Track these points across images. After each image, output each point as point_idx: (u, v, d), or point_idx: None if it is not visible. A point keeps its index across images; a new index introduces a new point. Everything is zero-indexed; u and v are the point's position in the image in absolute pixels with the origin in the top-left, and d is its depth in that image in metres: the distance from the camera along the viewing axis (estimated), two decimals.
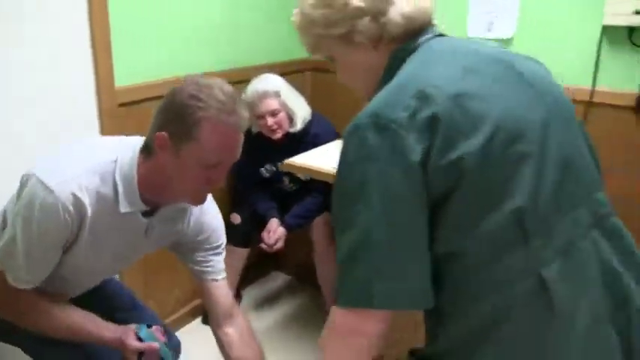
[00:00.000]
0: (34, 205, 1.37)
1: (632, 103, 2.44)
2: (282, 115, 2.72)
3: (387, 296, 0.99)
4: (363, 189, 0.98)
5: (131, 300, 1.96)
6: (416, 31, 1.15)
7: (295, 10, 1.23)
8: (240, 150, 1.49)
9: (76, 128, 2.25)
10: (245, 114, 1.45)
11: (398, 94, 1.02)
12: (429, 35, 1.15)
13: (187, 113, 1.37)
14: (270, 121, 2.70)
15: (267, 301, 3.28)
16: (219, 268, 1.82)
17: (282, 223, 2.85)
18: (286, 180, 2.97)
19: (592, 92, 2.52)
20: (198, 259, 1.79)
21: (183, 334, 2.77)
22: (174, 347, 1.88)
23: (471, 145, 0.97)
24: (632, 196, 2.58)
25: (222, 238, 1.82)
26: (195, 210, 1.70)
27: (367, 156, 0.99)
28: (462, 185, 0.97)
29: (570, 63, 2.56)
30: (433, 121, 0.97)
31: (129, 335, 1.59)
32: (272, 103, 2.69)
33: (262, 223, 2.86)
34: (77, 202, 1.39)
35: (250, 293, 3.31)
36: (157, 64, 2.51)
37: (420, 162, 0.97)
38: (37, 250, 1.44)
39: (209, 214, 1.77)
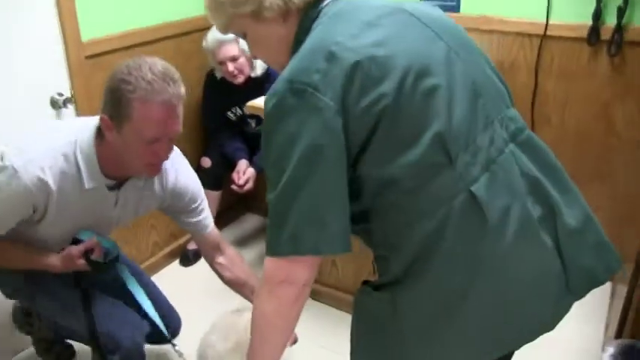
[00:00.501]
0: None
1: (584, 34, 2.54)
2: (242, 60, 2.78)
3: (312, 242, 1.07)
4: (287, 147, 1.06)
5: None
6: None
7: None
8: (179, 122, 1.59)
9: (46, 81, 2.29)
10: (176, 89, 1.55)
11: (308, 59, 1.08)
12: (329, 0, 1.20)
13: (119, 96, 1.50)
14: (230, 66, 2.76)
15: (242, 243, 3.36)
16: (206, 224, 1.98)
17: (251, 164, 2.93)
18: (252, 122, 3.04)
19: (546, 26, 2.62)
20: (186, 220, 1.95)
21: (161, 277, 2.91)
22: (175, 327, 2.04)
23: (384, 88, 1.05)
24: (587, 125, 2.72)
25: (200, 196, 1.95)
26: (170, 176, 1.83)
27: (288, 118, 1.06)
28: (383, 126, 1.06)
29: None
30: (345, 77, 1.04)
31: (70, 247, 1.71)
32: (231, 49, 2.74)
33: (232, 166, 2.94)
34: (41, 182, 1.55)
35: (224, 236, 3.38)
36: (121, 15, 2.53)
37: (337, 115, 1.04)
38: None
39: (184, 177, 1.88)
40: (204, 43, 2.77)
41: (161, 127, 1.55)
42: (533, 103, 2.80)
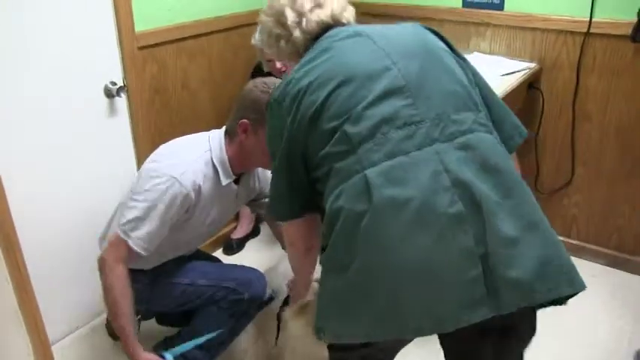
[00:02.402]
0: (163, 189, 1.85)
1: (628, 32, 2.53)
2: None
3: (277, 211, 1.55)
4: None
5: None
6: (318, 37, 1.53)
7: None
8: None
9: (100, 70, 2.40)
10: None
11: (286, 78, 1.46)
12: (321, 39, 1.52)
13: (262, 104, 1.84)
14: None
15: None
16: None
17: None
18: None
19: (589, 23, 2.62)
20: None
21: None
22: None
23: (315, 98, 1.35)
24: (629, 123, 2.71)
25: None
26: (258, 169, 2.25)
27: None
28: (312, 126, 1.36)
29: None
30: (293, 98, 1.40)
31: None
32: None
33: None
34: (194, 184, 1.90)
35: (266, 227, 3.49)
36: (173, 8, 2.64)
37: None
38: (161, 223, 1.88)
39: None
40: (252, 40, 2.85)
41: None
42: (574, 101, 2.80)
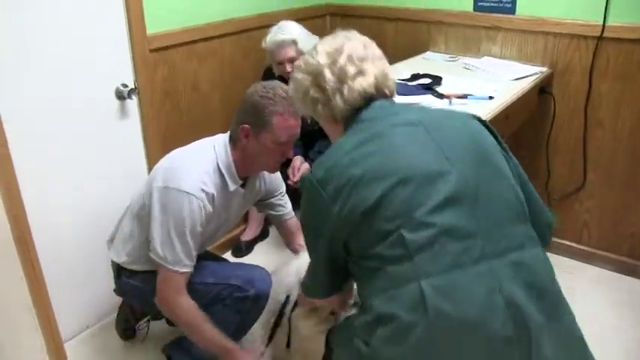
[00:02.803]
0: (181, 208, 1.89)
1: None
2: (299, 62, 2.84)
3: (314, 294, 1.62)
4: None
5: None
6: (360, 108, 1.46)
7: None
8: (299, 129, 2.01)
9: (112, 73, 2.41)
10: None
11: (330, 158, 1.41)
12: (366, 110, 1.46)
13: (261, 109, 1.91)
14: (288, 67, 2.83)
15: None
16: (289, 208, 2.46)
17: (306, 159, 3.00)
18: (308, 119, 3.09)
19: (603, 27, 2.60)
20: (275, 202, 2.40)
21: None
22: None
23: (370, 194, 1.29)
24: None
25: (283, 185, 2.44)
26: (264, 172, 2.26)
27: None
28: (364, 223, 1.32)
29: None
30: (340, 187, 1.33)
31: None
32: (289, 51, 2.83)
33: (287, 161, 2.99)
34: (207, 195, 1.93)
35: (275, 229, 3.48)
36: (184, 11, 2.65)
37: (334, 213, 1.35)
38: (193, 238, 1.94)
39: None
40: (263, 43, 2.86)
41: (292, 131, 1.98)
42: (586, 106, 2.79)
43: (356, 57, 1.45)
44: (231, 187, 2.02)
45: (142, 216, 2.03)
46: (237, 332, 2.12)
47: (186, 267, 1.94)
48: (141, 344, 2.51)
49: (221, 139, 2.04)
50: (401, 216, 1.26)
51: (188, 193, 1.89)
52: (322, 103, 1.48)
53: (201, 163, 1.98)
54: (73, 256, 2.46)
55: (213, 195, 1.96)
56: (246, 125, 1.95)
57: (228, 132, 2.05)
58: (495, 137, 1.46)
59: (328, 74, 1.44)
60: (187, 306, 1.95)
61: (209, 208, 1.95)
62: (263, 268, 2.16)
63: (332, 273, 1.48)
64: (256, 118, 1.93)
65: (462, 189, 1.28)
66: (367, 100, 1.44)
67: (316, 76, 1.47)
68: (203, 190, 1.92)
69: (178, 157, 2.04)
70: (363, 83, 1.43)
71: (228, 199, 2.05)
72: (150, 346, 2.48)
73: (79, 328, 2.58)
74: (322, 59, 1.47)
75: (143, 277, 2.10)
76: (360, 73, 1.44)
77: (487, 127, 1.47)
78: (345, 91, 1.43)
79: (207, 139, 2.08)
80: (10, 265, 1.81)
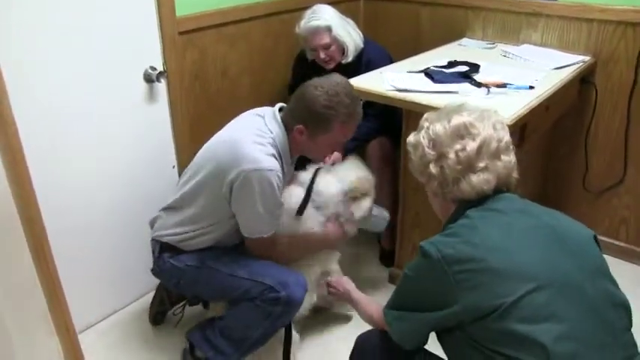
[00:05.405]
0: (264, 184, 1.94)
1: None
2: (333, 48, 2.78)
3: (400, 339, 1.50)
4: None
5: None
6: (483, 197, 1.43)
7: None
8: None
9: (140, 55, 2.37)
10: (360, 108, 2.08)
11: (451, 238, 1.35)
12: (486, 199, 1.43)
13: (324, 119, 2.00)
14: (322, 54, 2.76)
15: None
16: None
17: None
18: None
19: None
20: None
21: None
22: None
23: (503, 292, 1.26)
24: None
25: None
26: None
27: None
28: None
29: None
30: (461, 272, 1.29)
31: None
32: (324, 38, 2.74)
33: None
34: (277, 165, 2.00)
35: None
36: None
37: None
38: (279, 208, 2.06)
39: None
40: (297, 29, 2.79)
41: (348, 135, 2.11)
42: (630, 97, 2.67)
43: (486, 151, 1.41)
44: (286, 167, 2.09)
45: (212, 198, 2.04)
46: (258, 340, 2.08)
47: (274, 228, 2.06)
48: (165, 331, 2.51)
49: (271, 117, 2.08)
50: (537, 321, 1.23)
51: (258, 169, 1.92)
52: (439, 181, 1.46)
53: (263, 146, 1.99)
54: (101, 242, 2.44)
55: (281, 170, 2.01)
56: (302, 127, 2.02)
57: (277, 107, 2.11)
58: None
59: (452, 159, 1.42)
60: (281, 250, 2.13)
61: (280, 175, 2.00)
62: (300, 274, 2.12)
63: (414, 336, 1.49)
64: (316, 126, 2.02)
65: (590, 306, 1.28)
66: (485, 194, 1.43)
67: (440, 157, 1.44)
68: (272, 162, 1.97)
69: (235, 137, 2.03)
70: (485, 186, 1.41)
71: (284, 176, 2.10)
72: (177, 331, 2.46)
73: (106, 312, 2.59)
74: (450, 141, 1.43)
75: (186, 258, 2.09)
76: (485, 169, 1.41)
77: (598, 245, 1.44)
78: (463, 184, 1.42)
79: (252, 114, 2.13)
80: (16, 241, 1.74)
